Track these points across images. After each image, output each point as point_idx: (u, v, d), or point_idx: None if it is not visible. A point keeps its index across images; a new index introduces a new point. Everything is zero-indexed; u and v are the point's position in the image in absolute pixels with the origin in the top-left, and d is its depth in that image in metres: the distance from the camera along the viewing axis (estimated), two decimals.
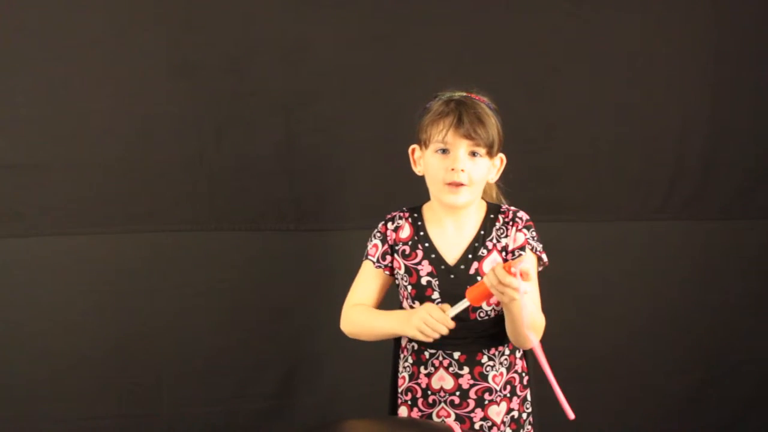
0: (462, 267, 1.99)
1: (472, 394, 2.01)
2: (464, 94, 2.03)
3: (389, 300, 2.19)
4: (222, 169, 2.74)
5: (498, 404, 2.02)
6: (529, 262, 1.81)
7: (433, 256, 2.02)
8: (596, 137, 2.99)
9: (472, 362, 2.01)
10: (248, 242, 2.78)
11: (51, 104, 2.63)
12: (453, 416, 2.02)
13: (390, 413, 2.13)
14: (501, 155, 2.06)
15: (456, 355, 2.02)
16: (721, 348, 3.13)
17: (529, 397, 2.07)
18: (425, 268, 2.03)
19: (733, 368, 3.14)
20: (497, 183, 2.17)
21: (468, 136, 1.94)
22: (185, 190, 2.73)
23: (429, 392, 2.05)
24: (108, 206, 2.69)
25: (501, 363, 2.02)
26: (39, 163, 2.63)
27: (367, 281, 2.09)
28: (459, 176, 1.94)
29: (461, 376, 2.02)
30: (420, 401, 2.07)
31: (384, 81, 2.79)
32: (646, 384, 3.09)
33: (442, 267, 2.00)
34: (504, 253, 2.00)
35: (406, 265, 2.06)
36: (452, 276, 1.97)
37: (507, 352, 2.03)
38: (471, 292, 1.85)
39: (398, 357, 2.14)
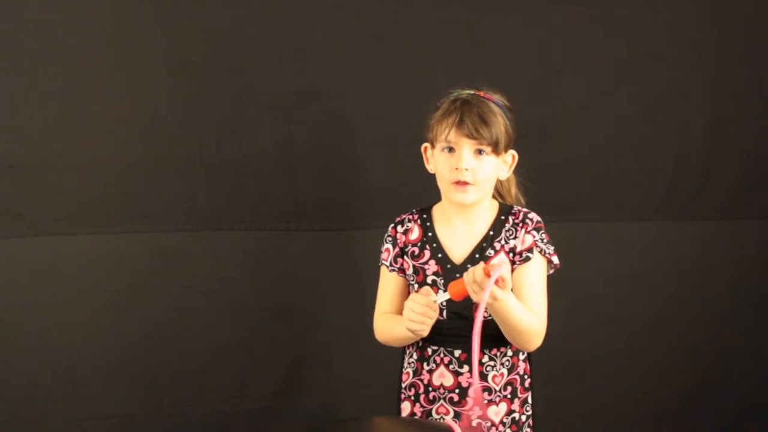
0: (468, 266, 1.99)
1: (471, 392, 2.01)
2: (472, 92, 2.03)
3: None
4: (222, 169, 2.74)
5: (497, 404, 2.02)
6: (506, 269, 1.79)
7: (440, 255, 2.03)
8: (596, 137, 2.98)
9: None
10: (248, 242, 2.78)
11: (51, 104, 2.63)
12: (452, 413, 2.02)
13: (396, 408, 2.14)
14: (512, 152, 2.07)
15: (457, 353, 2.03)
16: (721, 348, 3.13)
17: (530, 400, 2.07)
18: (431, 267, 2.04)
19: (733, 368, 3.14)
20: (518, 179, 2.16)
21: (470, 136, 1.95)
22: (185, 190, 2.73)
23: (430, 388, 2.06)
24: (108, 206, 2.69)
25: (503, 364, 2.02)
26: (39, 163, 2.63)
27: (386, 287, 2.13)
28: (464, 175, 1.95)
29: (461, 374, 2.02)
30: (422, 397, 2.08)
31: (384, 81, 2.79)
32: (646, 384, 3.09)
33: (448, 266, 2.00)
34: (512, 255, 2.00)
35: (414, 266, 2.07)
36: (458, 275, 1.97)
37: (510, 353, 2.03)
38: (452, 287, 1.86)
39: (404, 353, 2.15)
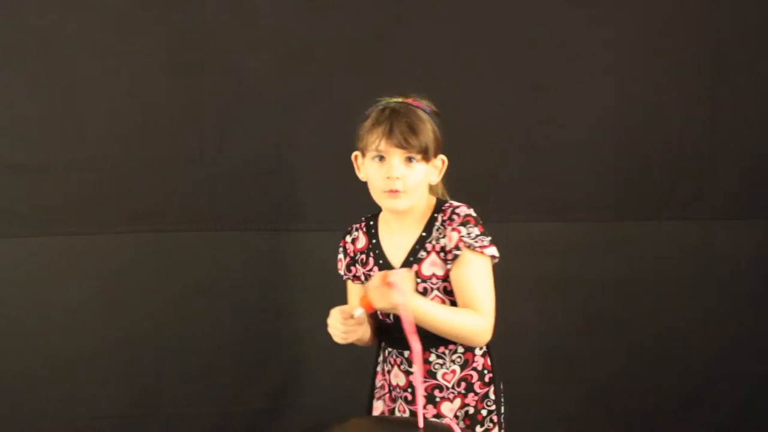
0: None
1: (422, 391, 2.02)
2: (400, 100, 2.03)
3: None
4: (222, 169, 2.75)
5: (451, 401, 2.03)
6: (401, 276, 1.82)
7: (381, 262, 2.06)
8: (596, 137, 2.98)
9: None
10: (248, 242, 2.78)
11: (51, 104, 2.63)
12: (408, 413, 2.05)
13: (367, 409, 2.16)
14: (441, 156, 2.06)
15: (406, 353, 2.05)
16: (721, 348, 3.13)
17: (491, 395, 2.06)
18: (375, 274, 2.05)
19: (733, 368, 3.14)
20: (443, 182, 2.16)
21: (400, 145, 1.96)
22: (185, 190, 2.73)
23: (390, 388, 2.09)
24: (108, 206, 2.69)
25: (453, 361, 2.03)
26: (39, 163, 2.63)
27: (348, 294, 2.17)
28: (395, 184, 1.96)
29: (411, 373, 2.04)
30: (386, 396, 2.12)
31: (384, 81, 2.79)
32: (646, 384, 3.09)
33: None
34: (443, 254, 1.99)
35: (363, 273, 2.09)
36: None
37: (461, 350, 2.03)
38: (362, 300, 1.91)
39: (377, 354, 2.18)
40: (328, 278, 2.77)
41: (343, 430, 1.92)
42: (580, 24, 2.95)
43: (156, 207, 2.72)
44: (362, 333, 1.98)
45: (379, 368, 2.17)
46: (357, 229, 2.14)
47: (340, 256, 2.16)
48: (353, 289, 2.14)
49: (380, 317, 2.07)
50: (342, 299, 2.18)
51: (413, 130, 1.96)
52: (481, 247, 1.96)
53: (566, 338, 3.01)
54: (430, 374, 2.02)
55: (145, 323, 2.74)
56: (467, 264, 1.96)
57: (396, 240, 2.05)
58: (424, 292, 1.99)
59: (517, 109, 2.93)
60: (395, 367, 2.07)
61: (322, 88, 2.78)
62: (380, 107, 2.03)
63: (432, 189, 2.11)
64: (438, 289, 2.00)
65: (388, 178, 1.97)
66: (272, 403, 2.84)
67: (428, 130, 1.99)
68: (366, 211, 2.17)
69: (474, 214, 2.00)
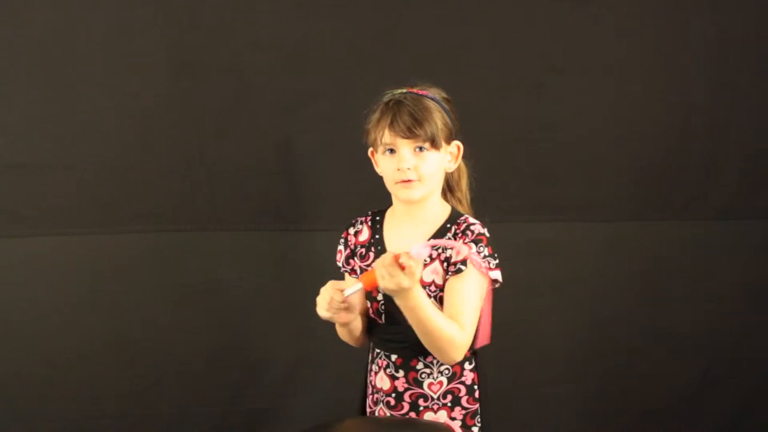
0: None
1: (406, 397, 2.01)
2: (404, 90, 2.02)
3: None
4: (222, 169, 2.75)
5: (435, 411, 2.00)
6: (417, 259, 1.77)
7: None
8: (596, 137, 2.98)
9: (407, 367, 2.00)
10: (248, 242, 2.78)
11: (51, 104, 2.63)
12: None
13: (359, 409, 2.14)
14: (456, 142, 2.04)
15: (393, 357, 2.02)
16: (721, 348, 3.13)
17: (480, 413, 2.03)
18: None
19: (733, 368, 3.14)
20: (470, 172, 2.14)
21: (405, 136, 1.95)
22: (185, 190, 2.73)
23: (374, 390, 2.07)
24: (108, 206, 2.69)
25: (440, 372, 2.00)
26: (39, 163, 2.63)
27: None
28: (406, 174, 1.95)
29: (397, 378, 2.01)
30: (370, 398, 2.10)
31: (384, 81, 2.79)
32: (646, 384, 3.09)
33: None
34: (446, 265, 1.97)
35: (360, 267, 2.07)
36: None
37: None
38: (364, 276, 1.85)
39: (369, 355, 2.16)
40: (329, 278, 2.76)
41: (342, 430, 1.92)
42: (580, 24, 2.95)
43: (156, 207, 2.72)
44: (347, 318, 1.94)
45: (369, 369, 2.15)
46: (362, 222, 2.12)
47: (341, 247, 2.13)
48: (349, 283, 2.11)
49: (371, 315, 2.06)
50: None
51: (417, 119, 1.94)
52: (487, 268, 1.95)
53: (566, 338, 3.01)
54: (416, 383, 2.00)
55: (144, 323, 2.74)
56: (466, 278, 1.94)
57: (401, 237, 2.03)
58: None
59: (517, 109, 2.93)
60: (381, 370, 2.05)
61: (322, 88, 2.78)
62: (385, 100, 2.02)
63: (453, 178, 2.09)
64: (435, 297, 1.98)
65: (399, 169, 1.95)
66: (272, 403, 2.84)
67: (435, 118, 1.96)
68: (366, 210, 2.16)
69: (487, 234, 1.99)
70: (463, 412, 2.00)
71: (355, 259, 2.10)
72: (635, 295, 3.06)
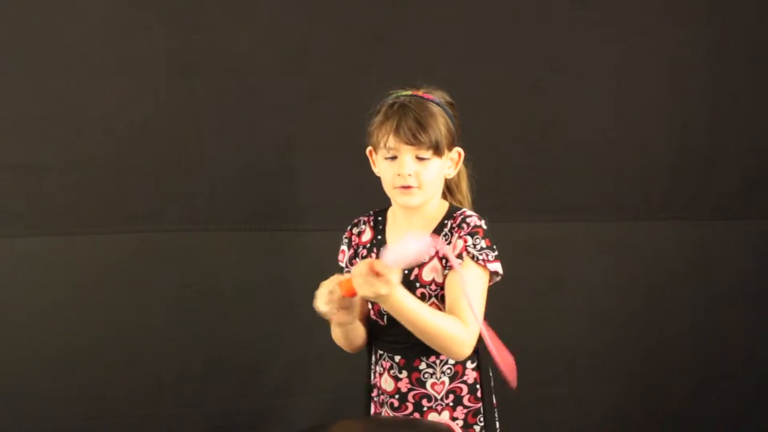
0: (405, 272, 1.96)
1: (410, 398, 2.00)
2: (410, 93, 2.00)
3: None
4: (222, 169, 2.75)
5: (439, 413, 1.98)
6: (393, 263, 1.74)
7: None
8: (596, 137, 2.98)
9: (410, 367, 1.99)
10: (248, 242, 2.78)
11: (51, 104, 2.63)
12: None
13: (365, 409, 2.13)
14: (457, 149, 2.02)
15: (397, 358, 2.01)
16: (720, 348, 3.13)
17: (483, 411, 2.02)
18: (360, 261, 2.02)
19: (733, 368, 3.14)
20: (469, 172, 2.14)
21: (409, 142, 1.92)
22: (185, 190, 2.73)
23: (380, 392, 2.06)
24: (108, 206, 2.69)
25: (443, 372, 1.99)
26: (39, 163, 2.63)
27: None
28: (407, 180, 1.93)
29: (400, 379, 2.00)
30: (377, 399, 2.09)
31: (384, 81, 2.78)
32: (646, 384, 3.09)
33: None
34: (444, 261, 1.95)
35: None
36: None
37: (451, 361, 1.99)
38: (343, 284, 1.83)
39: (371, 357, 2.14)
40: (329, 278, 2.77)
41: (342, 430, 1.92)
42: (580, 24, 2.95)
43: (156, 207, 2.72)
44: (344, 318, 1.90)
45: (371, 371, 2.14)
46: (364, 223, 2.10)
47: (344, 247, 2.12)
48: None
49: (373, 317, 2.05)
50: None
51: (422, 125, 1.92)
52: (484, 260, 1.91)
53: (566, 338, 3.01)
54: (419, 383, 2.00)
55: (144, 323, 2.74)
56: (466, 273, 1.90)
57: (403, 237, 2.02)
58: (423, 298, 1.94)
59: (516, 109, 2.93)
60: (385, 372, 2.04)
61: (322, 88, 2.78)
62: (389, 102, 1.99)
63: (452, 181, 2.08)
64: (436, 296, 1.96)
65: (399, 175, 1.94)
66: (272, 403, 2.84)
67: (439, 124, 1.94)
68: (367, 210, 2.16)
69: (484, 227, 1.95)
70: (465, 411, 2.00)
71: (358, 259, 2.09)
72: (635, 295, 3.06)
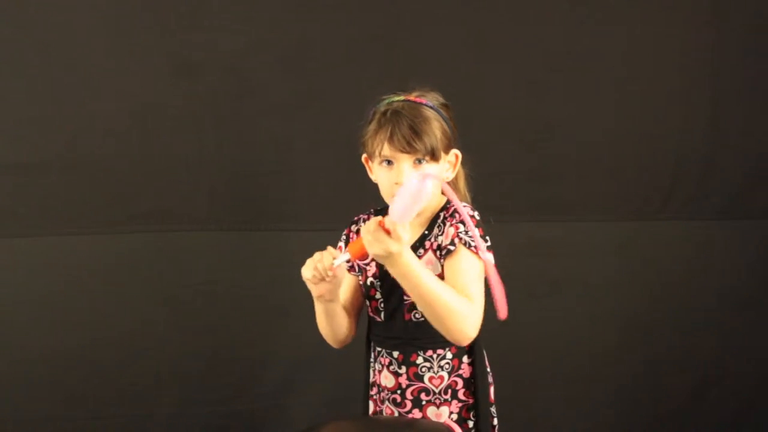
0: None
1: (408, 394, 1.99)
2: (402, 98, 1.98)
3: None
4: (222, 169, 2.75)
5: (438, 407, 1.98)
6: (399, 221, 1.70)
7: None
8: (596, 137, 2.99)
9: (408, 362, 1.99)
10: (248, 242, 2.78)
11: (51, 104, 2.63)
12: (396, 415, 2.01)
13: (363, 409, 2.13)
14: (455, 151, 2.01)
15: (395, 354, 2.00)
16: (720, 348, 3.13)
17: (476, 407, 2.01)
18: (371, 269, 2.02)
19: (733, 368, 3.14)
20: (467, 172, 2.13)
21: (404, 150, 1.90)
22: (185, 190, 2.73)
23: (380, 389, 2.06)
24: (108, 206, 2.69)
25: (441, 366, 1.98)
26: (39, 163, 2.63)
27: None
28: None
29: (400, 375, 2.00)
30: (376, 398, 2.08)
31: (384, 81, 2.78)
32: (646, 384, 3.09)
33: (384, 268, 1.95)
34: (439, 252, 1.94)
35: (358, 265, 2.05)
36: (392, 277, 1.92)
37: (449, 355, 1.99)
38: (352, 245, 1.80)
39: (368, 353, 2.13)
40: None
41: (340, 430, 1.92)
42: (580, 24, 2.95)
43: (156, 207, 2.72)
44: (324, 291, 1.88)
45: (371, 369, 2.13)
46: (364, 221, 2.09)
47: (341, 244, 2.12)
48: (346, 279, 2.08)
49: (370, 314, 2.05)
50: None
51: (416, 132, 1.89)
52: (476, 248, 1.87)
53: (565, 338, 3.01)
54: (417, 377, 1.99)
55: (144, 323, 2.74)
56: (461, 258, 1.87)
57: None
58: None
59: (516, 109, 2.93)
60: (384, 368, 2.04)
61: (322, 88, 2.79)
62: (382, 109, 1.96)
63: (451, 182, 2.06)
64: None
65: (397, 183, 1.92)
66: (272, 403, 2.84)
67: (434, 129, 1.92)
68: (366, 210, 2.16)
69: (477, 217, 1.93)
70: (460, 405, 1.99)
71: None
72: (635, 295, 3.06)
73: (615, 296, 3.05)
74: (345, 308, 2.04)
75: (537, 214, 2.96)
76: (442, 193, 2.04)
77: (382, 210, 2.09)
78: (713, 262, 3.11)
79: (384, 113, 1.95)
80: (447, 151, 1.97)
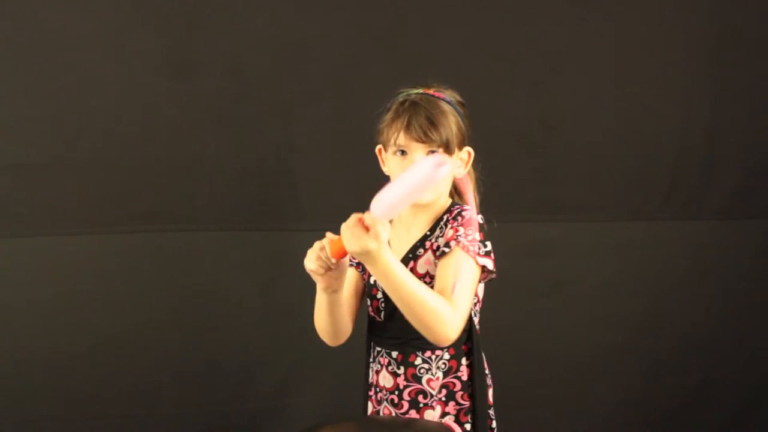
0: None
1: (406, 395, 1.99)
2: (420, 91, 1.99)
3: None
4: (222, 169, 2.75)
5: (434, 409, 1.98)
6: (380, 216, 1.68)
7: None
8: (596, 137, 2.99)
9: (407, 363, 1.99)
10: (248, 242, 2.78)
11: (51, 104, 2.63)
12: (394, 416, 2.01)
13: (362, 409, 2.13)
14: (467, 148, 2.02)
15: (394, 354, 2.00)
16: (720, 348, 3.13)
17: (473, 410, 2.01)
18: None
19: (733, 368, 3.14)
20: (477, 175, 2.13)
21: (420, 140, 1.91)
22: (185, 190, 2.73)
23: (378, 389, 2.05)
24: (108, 206, 2.69)
25: (438, 367, 1.98)
26: (39, 163, 2.63)
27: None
28: None
29: (398, 375, 2.00)
30: (374, 398, 2.08)
31: (384, 81, 2.78)
32: (646, 384, 3.09)
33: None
34: (438, 252, 1.94)
35: (361, 262, 2.05)
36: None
37: (446, 357, 1.99)
38: (332, 243, 1.79)
39: (368, 353, 2.13)
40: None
41: (339, 430, 1.91)
42: (580, 24, 2.95)
43: (156, 207, 2.72)
44: (329, 282, 1.87)
45: (369, 369, 2.13)
46: None
47: None
48: (349, 274, 2.08)
49: (371, 314, 2.05)
50: None
51: (433, 123, 1.91)
52: (474, 252, 1.87)
53: (565, 338, 3.01)
54: (415, 378, 1.99)
55: (144, 323, 2.74)
56: (454, 261, 1.87)
57: (405, 235, 2.02)
58: None
59: (517, 109, 2.93)
60: (383, 369, 2.04)
61: (322, 88, 2.79)
62: (400, 100, 1.98)
63: (462, 182, 2.06)
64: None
65: None
66: (272, 403, 2.84)
67: (450, 123, 1.93)
68: (366, 210, 2.16)
69: (480, 221, 1.94)
70: (457, 407, 1.99)
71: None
72: (635, 295, 3.06)
73: (615, 296, 3.05)
74: (350, 305, 2.04)
75: (537, 214, 2.97)
76: (453, 188, 2.06)
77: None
78: (713, 262, 3.11)
79: (402, 103, 1.96)
80: (461, 147, 1.99)
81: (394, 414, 2.01)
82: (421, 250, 1.97)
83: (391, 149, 1.97)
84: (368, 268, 1.79)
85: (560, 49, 2.94)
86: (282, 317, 2.82)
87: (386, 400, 2.02)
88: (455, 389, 1.99)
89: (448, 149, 1.94)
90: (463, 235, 1.89)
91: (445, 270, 1.87)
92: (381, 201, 1.69)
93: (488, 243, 1.93)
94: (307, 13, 2.76)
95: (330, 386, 2.85)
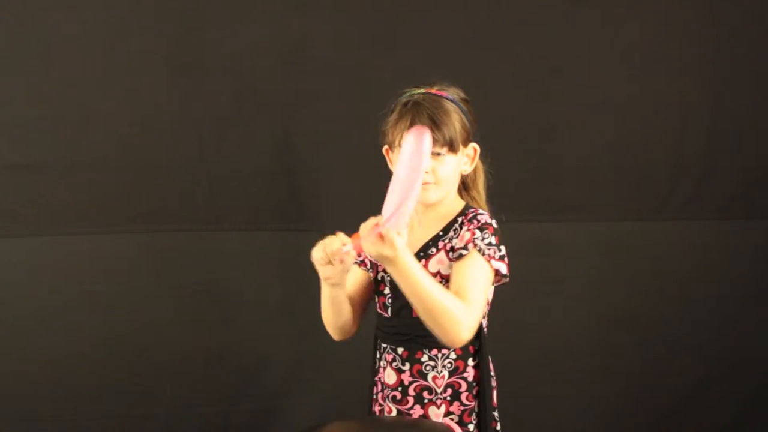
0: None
1: (411, 390, 2.00)
2: (423, 91, 2.00)
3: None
4: (222, 169, 2.75)
5: (438, 406, 1.99)
6: (394, 226, 1.72)
7: None
8: (596, 137, 2.99)
9: (413, 359, 2.00)
10: (248, 242, 2.78)
11: (51, 104, 2.63)
12: (395, 412, 2.01)
13: (368, 408, 2.13)
14: (473, 145, 2.03)
15: (400, 350, 2.01)
16: (720, 348, 3.13)
17: (477, 409, 2.01)
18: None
19: (733, 368, 3.14)
20: (486, 169, 2.14)
21: None
22: (185, 190, 2.73)
23: (383, 386, 2.06)
24: (108, 206, 2.69)
25: (444, 366, 1.99)
26: (39, 163, 2.63)
27: (349, 276, 2.07)
28: (424, 177, 1.93)
29: (403, 371, 2.00)
30: (380, 395, 2.08)
31: (384, 81, 2.79)
32: (646, 384, 3.09)
33: None
34: (451, 253, 1.96)
35: (371, 261, 2.06)
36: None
37: (453, 356, 1.99)
38: (354, 239, 1.81)
39: (375, 351, 2.14)
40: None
41: (341, 430, 1.91)
42: (580, 24, 2.95)
43: (156, 207, 2.72)
44: (331, 274, 1.89)
45: (376, 366, 2.14)
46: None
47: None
48: (356, 273, 2.09)
49: (378, 311, 2.06)
50: None
51: (436, 123, 1.92)
52: (489, 256, 1.90)
53: (566, 338, 3.01)
54: (421, 375, 2.00)
55: (144, 323, 2.74)
56: (470, 263, 1.90)
57: (413, 234, 2.02)
58: None
59: (517, 109, 2.93)
60: (388, 365, 2.04)
61: (322, 88, 2.79)
62: (403, 101, 1.98)
63: (469, 177, 2.08)
64: None
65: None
66: (272, 403, 2.84)
67: (453, 121, 1.94)
68: (366, 210, 2.16)
69: (495, 225, 1.96)
70: (461, 408, 1.99)
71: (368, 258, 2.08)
72: (635, 295, 3.06)
73: (615, 296, 3.05)
74: (350, 299, 2.05)
75: (537, 215, 2.96)
76: (462, 184, 2.06)
77: None
78: (713, 261, 3.11)
79: (405, 104, 1.97)
80: (466, 144, 2.00)
81: (395, 411, 2.01)
82: (434, 249, 1.98)
83: (398, 150, 1.98)
84: (387, 269, 1.83)
85: (560, 50, 2.94)
86: (282, 317, 2.82)
87: (389, 397, 2.03)
88: (460, 389, 1.99)
89: (452, 148, 1.95)
90: (480, 238, 1.92)
91: (461, 272, 1.90)
92: (390, 203, 1.74)
93: (502, 247, 1.95)
94: (307, 13, 2.76)
95: (330, 386, 2.85)
